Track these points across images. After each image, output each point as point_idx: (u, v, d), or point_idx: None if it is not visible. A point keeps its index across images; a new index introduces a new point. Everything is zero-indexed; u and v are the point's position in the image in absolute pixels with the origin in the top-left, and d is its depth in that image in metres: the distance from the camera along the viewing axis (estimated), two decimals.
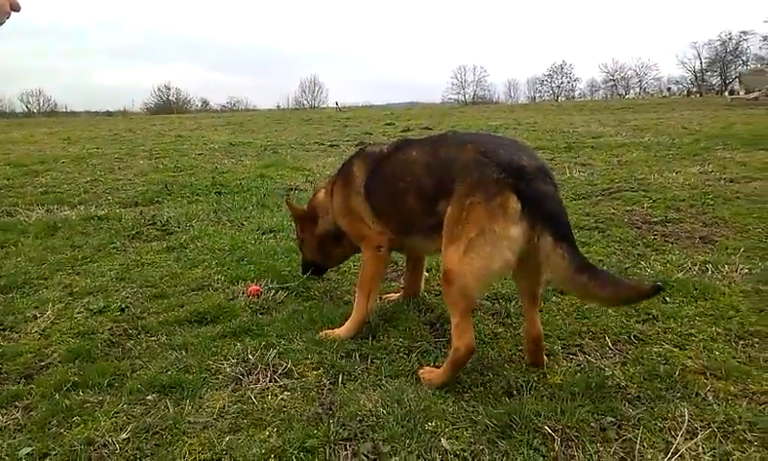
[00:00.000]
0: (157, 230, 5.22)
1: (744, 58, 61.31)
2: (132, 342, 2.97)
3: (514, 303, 3.21)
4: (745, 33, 60.70)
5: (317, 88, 74.52)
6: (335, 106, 47.37)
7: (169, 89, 70.63)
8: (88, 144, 13.60)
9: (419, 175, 2.70)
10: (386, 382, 2.49)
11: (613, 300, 2.43)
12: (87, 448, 2.09)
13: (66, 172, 8.97)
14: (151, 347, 2.90)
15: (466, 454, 2.01)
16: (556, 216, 2.34)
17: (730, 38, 61.57)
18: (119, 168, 9.30)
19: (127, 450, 2.08)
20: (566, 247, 2.27)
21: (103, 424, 2.23)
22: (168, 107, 63.11)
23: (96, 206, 6.27)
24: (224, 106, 69.60)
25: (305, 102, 71.22)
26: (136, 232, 5.14)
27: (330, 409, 2.29)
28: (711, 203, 5.38)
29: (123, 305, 3.43)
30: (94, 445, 2.11)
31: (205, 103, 71.98)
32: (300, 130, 17.18)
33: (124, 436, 2.15)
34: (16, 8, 2.45)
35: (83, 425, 2.23)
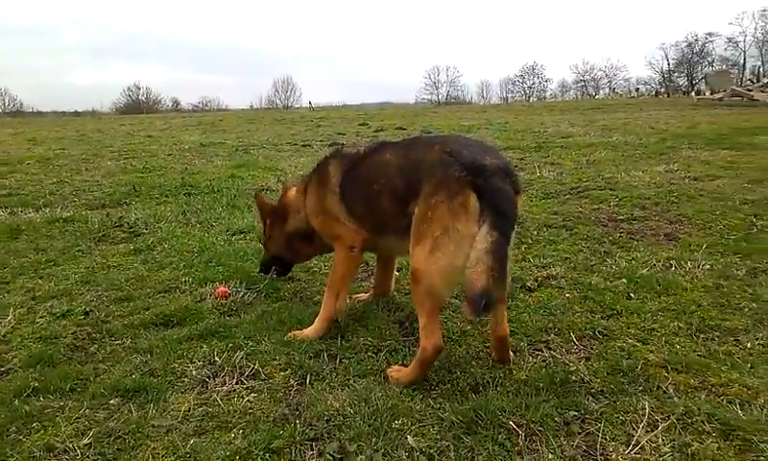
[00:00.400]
0: (124, 231, 5.14)
1: (710, 59, 62.76)
2: (95, 346, 2.92)
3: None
4: (710, 34, 62.13)
5: (290, 88, 74.04)
6: (308, 106, 47.18)
7: (139, 89, 69.49)
8: (54, 145, 13.32)
9: (391, 177, 2.72)
10: (354, 382, 2.50)
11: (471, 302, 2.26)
12: (47, 454, 2.05)
13: (31, 173, 8.78)
14: (115, 350, 2.86)
15: (431, 451, 2.02)
16: (502, 211, 2.33)
17: (696, 40, 62.93)
18: (86, 169, 9.13)
19: (88, 456, 2.04)
20: (497, 237, 2.25)
21: (64, 429, 2.19)
22: (138, 106, 62.02)
23: (61, 208, 6.15)
24: (195, 105, 68.62)
25: (278, 102, 70.71)
26: (103, 235, 5.05)
27: (297, 410, 2.28)
28: (676, 201, 5.50)
29: (87, 309, 3.37)
30: (54, 451, 2.07)
31: (176, 102, 70.92)
32: (272, 130, 17.07)
33: (85, 441, 2.11)
34: None
35: (42, 431, 2.19)
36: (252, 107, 64.83)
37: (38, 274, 4.06)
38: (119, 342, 2.96)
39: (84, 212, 5.93)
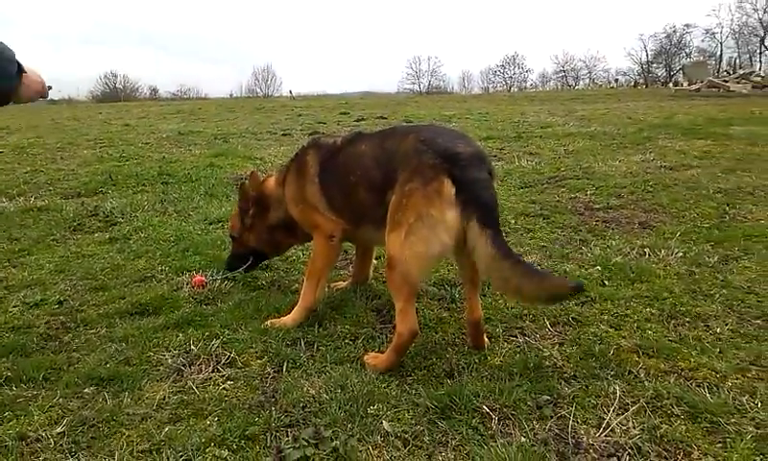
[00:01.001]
0: (100, 221, 5.08)
1: (687, 50, 63.48)
2: (69, 335, 2.90)
3: (459, 288, 3.26)
4: (688, 26, 62.87)
5: (270, 77, 73.42)
6: (289, 94, 46.77)
7: (116, 76, 68.27)
8: (29, 133, 13.06)
9: (368, 168, 2.73)
10: (331, 369, 2.51)
11: (535, 295, 2.37)
12: (19, 443, 2.04)
13: (5, 162, 8.61)
14: (89, 339, 2.83)
15: (406, 436, 2.05)
16: (485, 203, 2.38)
17: (674, 31, 63.59)
18: (61, 158, 8.98)
19: (62, 444, 2.03)
20: (491, 234, 2.31)
21: (36, 418, 2.17)
22: (115, 95, 60.94)
23: (36, 198, 6.05)
24: (174, 94, 67.67)
25: (259, 90, 70.11)
26: (78, 224, 4.99)
27: (273, 397, 2.29)
28: (651, 190, 5.58)
29: (61, 298, 3.33)
30: (27, 440, 2.05)
31: (155, 91, 69.71)
32: (252, 118, 16.89)
33: (59, 430, 2.10)
34: (46, 95, 2.57)
35: (15, 421, 2.17)
36: (231, 95, 64.09)
37: (12, 263, 4.01)
38: (94, 331, 2.94)
39: (58, 201, 5.84)
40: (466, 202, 2.34)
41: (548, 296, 2.43)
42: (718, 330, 2.77)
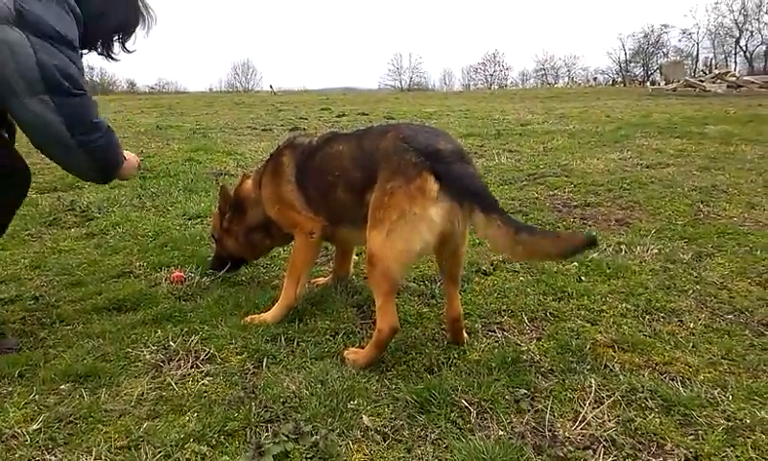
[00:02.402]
0: (76, 216, 5.01)
1: (665, 49, 64.54)
2: (45, 331, 2.86)
3: (438, 284, 3.28)
4: (666, 26, 64.04)
5: (251, 71, 72.99)
6: (269, 89, 46.45)
7: (93, 69, 67.09)
8: None
9: (347, 168, 2.73)
10: (311, 364, 2.51)
11: (555, 252, 2.47)
12: None
13: None
14: (66, 336, 2.80)
15: (386, 430, 2.06)
16: (480, 192, 2.40)
17: (652, 31, 64.64)
18: (36, 152, 8.78)
19: (38, 441, 2.00)
20: (498, 216, 2.34)
21: (12, 415, 2.14)
22: (92, 88, 60.01)
23: None
24: (152, 88, 66.87)
25: (239, 85, 69.57)
26: (54, 219, 4.91)
27: (253, 392, 2.29)
28: (628, 187, 5.66)
29: (37, 294, 3.28)
30: (2, 436, 2.02)
31: (132, 84, 68.80)
32: (231, 113, 16.77)
33: (35, 427, 2.07)
34: (141, 169, 2.75)
35: None
36: (210, 90, 63.61)
37: None
38: (70, 327, 2.90)
39: (33, 196, 5.72)
40: (461, 196, 2.36)
41: (570, 249, 2.46)
42: (691, 325, 2.83)
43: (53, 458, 1.93)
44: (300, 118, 14.55)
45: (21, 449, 1.96)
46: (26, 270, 3.69)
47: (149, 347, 2.65)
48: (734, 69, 42.39)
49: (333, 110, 17.01)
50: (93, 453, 1.93)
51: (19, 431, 2.04)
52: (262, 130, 11.89)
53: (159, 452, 1.94)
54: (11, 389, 2.33)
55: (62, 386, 2.34)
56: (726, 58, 59.57)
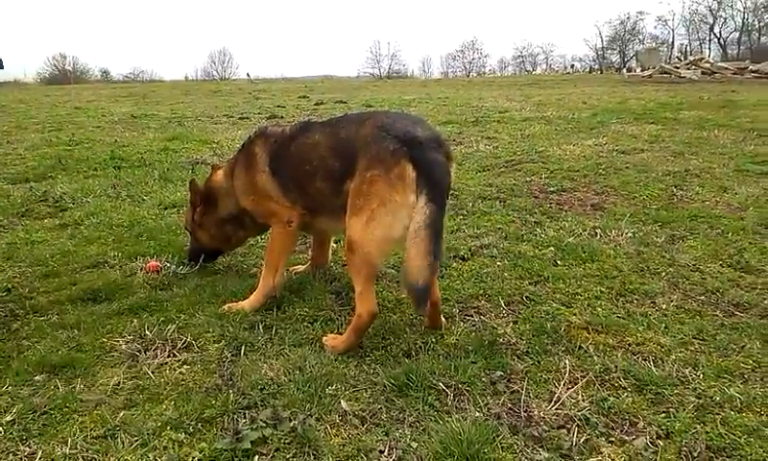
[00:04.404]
0: (50, 206, 4.93)
1: (641, 36, 65.10)
2: (18, 323, 2.82)
3: None
4: (642, 13, 64.63)
5: (227, 59, 71.94)
6: (247, 77, 46.00)
7: (65, 58, 65.69)
8: None
9: (324, 157, 2.73)
10: (289, 351, 2.51)
11: (407, 272, 2.32)
12: None
13: None
14: (40, 327, 2.76)
15: (364, 414, 2.08)
16: (437, 182, 2.39)
17: (628, 18, 65.13)
18: (8, 142, 8.62)
19: (12, 432, 1.99)
20: (432, 209, 2.31)
21: None
22: (65, 77, 58.62)
23: None
24: (126, 76, 65.60)
25: (215, 73, 68.62)
26: (26, 209, 4.82)
27: (231, 380, 2.29)
28: (603, 173, 5.73)
29: (9, 285, 3.23)
30: None
31: (106, 73, 67.42)
32: (208, 102, 16.57)
33: (8, 418, 2.05)
34: None
35: None
36: (187, 78, 62.65)
37: None
38: (44, 318, 2.86)
39: (5, 186, 5.63)
40: (422, 180, 2.37)
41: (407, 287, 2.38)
42: (664, 307, 2.88)
43: (27, 449, 1.91)
44: (278, 106, 14.43)
45: None
46: None
47: (125, 336, 2.63)
48: (709, 56, 42.93)
49: (311, 98, 16.90)
50: (69, 443, 1.92)
51: None
52: (239, 118, 11.76)
53: (136, 441, 1.93)
54: None
55: (37, 377, 2.32)
56: (700, 44, 60.38)
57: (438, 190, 2.38)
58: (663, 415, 2.06)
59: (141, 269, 3.42)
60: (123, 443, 1.92)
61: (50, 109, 14.35)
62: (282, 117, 11.78)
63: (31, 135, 9.31)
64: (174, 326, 2.69)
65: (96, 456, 1.87)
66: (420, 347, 2.54)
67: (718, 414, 2.05)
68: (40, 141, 8.59)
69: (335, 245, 3.61)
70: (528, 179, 5.62)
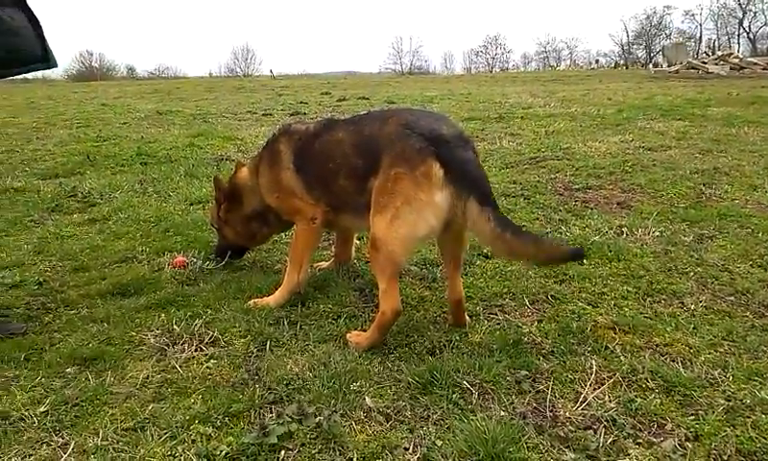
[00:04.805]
0: (79, 201, 5.02)
1: (667, 31, 64.00)
2: (50, 316, 2.88)
3: (440, 268, 3.29)
4: (669, 7, 63.58)
5: (250, 56, 72.45)
6: (269, 74, 46.20)
7: (92, 55, 66.71)
8: (3, 113, 12.76)
9: (347, 155, 2.74)
10: (314, 347, 2.53)
11: (537, 257, 2.54)
12: (2, 422, 2.03)
13: None
14: (71, 320, 2.82)
15: (388, 411, 2.09)
16: (479, 181, 2.43)
17: (654, 13, 64.09)
18: (37, 138, 8.81)
19: (45, 423, 2.03)
20: (490, 210, 2.37)
21: (19, 398, 2.17)
22: (91, 73, 59.49)
23: (12, 178, 5.94)
24: (151, 73, 66.42)
25: (238, 70, 69.14)
26: (56, 205, 4.92)
27: (257, 375, 2.31)
28: (630, 170, 5.65)
29: (41, 279, 3.30)
30: (10, 419, 2.05)
31: (132, 70, 68.28)
32: (231, 98, 16.70)
33: (42, 409, 2.10)
34: None
35: None
36: (210, 74, 63.21)
37: None
38: (75, 312, 2.92)
39: (35, 182, 5.76)
40: (459, 183, 2.38)
41: (549, 258, 2.60)
42: (692, 307, 2.84)
43: (60, 440, 1.96)
44: (301, 103, 14.49)
45: (29, 431, 1.99)
46: (30, 256, 3.71)
47: (153, 331, 2.67)
48: (738, 51, 42.05)
49: (333, 95, 16.93)
50: (100, 435, 1.96)
51: (27, 414, 2.07)
52: (262, 114, 11.84)
53: (165, 434, 1.96)
54: (17, 372, 2.35)
55: (68, 369, 2.37)
56: (729, 39, 59.13)
57: (484, 189, 2.42)
58: (692, 417, 2.03)
59: (168, 264, 3.47)
60: (152, 435, 1.96)
61: (78, 106, 14.61)
62: (305, 114, 11.83)
63: (59, 132, 9.49)
64: (201, 320, 2.72)
65: (126, 448, 1.91)
66: (444, 345, 2.54)
67: (749, 417, 2.01)
68: (69, 137, 8.76)
69: (358, 242, 3.62)
70: (552, 176, 5.57)
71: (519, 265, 3.33)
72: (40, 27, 2.61)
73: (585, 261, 3.38)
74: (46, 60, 2.64)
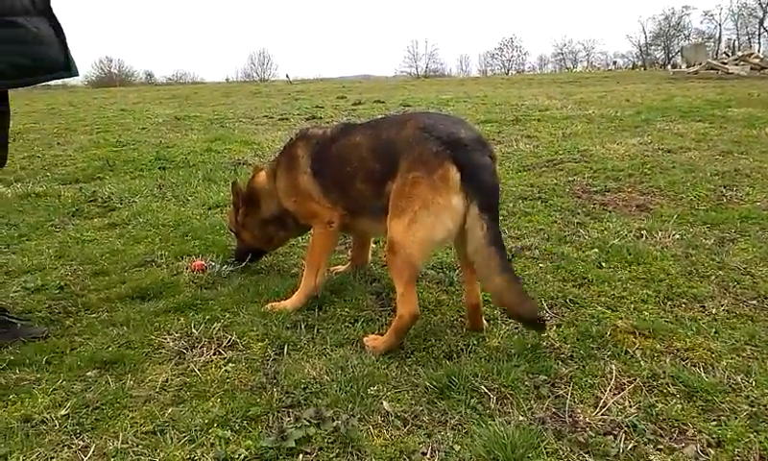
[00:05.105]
0: (99, 206, 5.09)
1: (686, 32, 63.29)
2: (71, 319, 2.92)
3: (457, 271, 3.28)
4: (687, 7, 62.87)
5: (267, 61, 73.03)
6: (286, 78, 46.52)
7: (111, 61, 67.71)
8: (25, 119, 12.98)
9: (365, 159, 2.74)
10: (331, 351, 2.53)
11: (501, 295, 2.42)
12: (24, 425, 2.06)
13: None
14: (91, 324, 2.85)
15: (406, 415, 2.08)
16: (487, 188, 2.42)
17: (673, 13, 63.45)
18: (58, 143, 8.95)
19: (66, 426, 2.05)
20: (488, 220, 2.36)
21: (41, 401, 2.20)
22: (111, 79, 60.38)
23: (33, 183, 6.03)
24: (169, 79, 67.29)
25: (255, 75, 69.68)
26: (76, 209, 4.99)
27: (275, 378, 2.32)
28: (649, 172, 5.59)
29: (62, 283, 3.35)
30: (32, 422, 2.07)
31: (150, 76, 69.29)
32: (248, 103, 16.83)
33: (63, 412, 2.12)
34: None
35: (19, 403, 2.19)
36: (227, 80, 63.84)
37: (11, 249, 4.01)
38: (95, 315, 2.95)
39: (56, 187, 5.84)
40: (469, 186, 2.37)
41: (505, 304, 2.52)
42: (714, 311, 2.80)
43: (81, 443, 1.98)
44: (317, 107, 14.55)
45: (50, 434, 2.02)
46: (50, 260, 3.76)
47: (172, 334, 2.69)
48: (758, 50, 41.42)
49: (349, 99, 16.97)
50: (120, 438, 1.98)
51: (48, 416, 2.10)
52: (279, 119, 11.92)
53: (184, 437, 1.98)
54: (38, 376, 2.38)
55: (89, 373, 2.39)
56: (749, 39, 58.26)
57: (489, 196, 2.40)
58: (714, 423, 2.00)
59: (187, 268, 3.50)
60: (171, 439, 1.97)
61: (97, 112, 14.82)
62: (321, 118, 11.88)
63: (80, 137, 9.63)
64: (219, 324, 2.74)
65: (146, 451, 1.92)
66: (462, 349, 2.52)
67: None
68: (89, 143, 8.89)
69: (375, 245, 3.62)
70: (570, 178, 5.53)
71: (536, 269, 3.31)
72: (64, 35, 2.65)
73: (604, 264, 3.36)
74: (68, 67, 2.68)
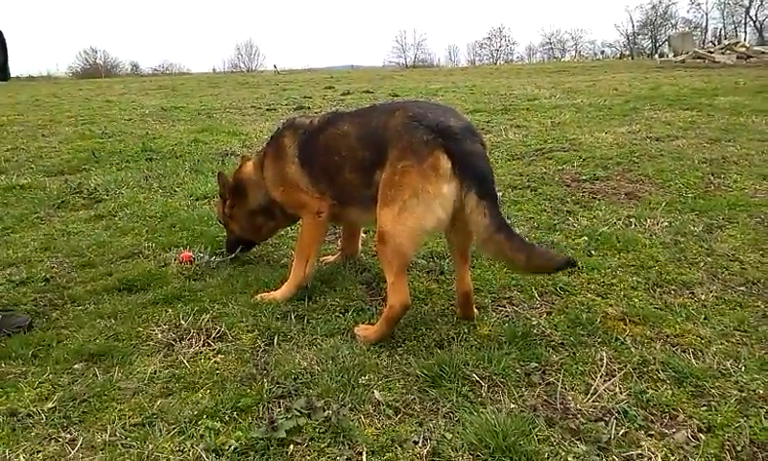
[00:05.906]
0: (84, 198, 5.03)
1: (673, 21, 63.43)
2: (57, 312, 2.88)
3: (447, 260, 3.28)
4: None
5: (254, 51, 72.38)
6: (273, 69, 46.17)
7: (96, 52, 66.74)
8: (8, 111, 12.79)
9: (353, 148, 2.71)
10: (321, 341, 2.52)
11: (525, 265, 2.42)
12: (10, 418, 2.03)
13: None
14: (78, 316, 2.82)
15: (397, 404, 2.07)
16: (482, 174, 2.40)
17: (660, 2, 63.57)
18: (42, 135, 8.82)
19: (53, 419, 2.03)
20: (488, 205, 2.34)
21: (27, 394, 2.17)
22: (96, 71, 59.55)
23: (18, 175, 5.95)
24: (156, 69, 66.54)
25: (242, 65, 69.07)
26: (62, 201, 4.92)
27: (265, 369, 2.30)
28: (637, 160, 5.61)
29: (47, 276, 3.31)
30: (18, 415, 2.05)
31: (136, 66, 68.41)
32: (236, 94, 16.70)
33: (50, 405, 2.10)
34: None
35: (5, 397, 2.16)
36: (214, 70, 63.32)
37: None
38: (82, 308, 2.92)
39: (41, 179, 5.76)
40: (463, 174, 2.35)
41: (538, 268, 2.52)
42: (703, 297, 2.81)
43: (68, 436, 1.95)
44: (305, 97, 14.47)
45: (37, 428, 1.99)
46: (36, 252, 3.71)
47: (160, 326, 2.67)
48: (744, 39, 41.71)
49: (337, 89, 16.89)
50: (108, 430, 1.96)
51: (34, 410, 2.07)
52: (266, 109, 11.84)
53: (174, 429, 1.96)
54: (24, 369, 2.35)
55: (76, 365, 2.37)
56: (735, 28, 58.54)
57: (485, 182, 2.38)
58: (705, 408, 2.01)
59: (174, 259, 3.47)
60: (161, 431, 1.95)
61: (82, 103, 14.64)
62: (309, 108, 11.81)
63: (65, 129, 9.51)
64: (208, 315, 2.71)
65: (135, 443, 1.90)
66: (453, 337, 2.52)
67: (762, 408, 1.99)
68: (74, 134, 8.77)
69: (364, 235, 3.60)
70: (559, 167, 5.53)
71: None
72: (3, 38, 2.59)
73: (593, 252, 3.37)
74: (3, 71, 2.63)
